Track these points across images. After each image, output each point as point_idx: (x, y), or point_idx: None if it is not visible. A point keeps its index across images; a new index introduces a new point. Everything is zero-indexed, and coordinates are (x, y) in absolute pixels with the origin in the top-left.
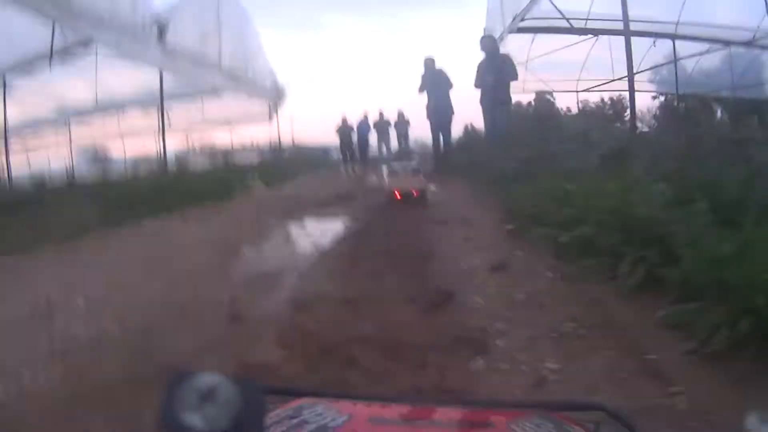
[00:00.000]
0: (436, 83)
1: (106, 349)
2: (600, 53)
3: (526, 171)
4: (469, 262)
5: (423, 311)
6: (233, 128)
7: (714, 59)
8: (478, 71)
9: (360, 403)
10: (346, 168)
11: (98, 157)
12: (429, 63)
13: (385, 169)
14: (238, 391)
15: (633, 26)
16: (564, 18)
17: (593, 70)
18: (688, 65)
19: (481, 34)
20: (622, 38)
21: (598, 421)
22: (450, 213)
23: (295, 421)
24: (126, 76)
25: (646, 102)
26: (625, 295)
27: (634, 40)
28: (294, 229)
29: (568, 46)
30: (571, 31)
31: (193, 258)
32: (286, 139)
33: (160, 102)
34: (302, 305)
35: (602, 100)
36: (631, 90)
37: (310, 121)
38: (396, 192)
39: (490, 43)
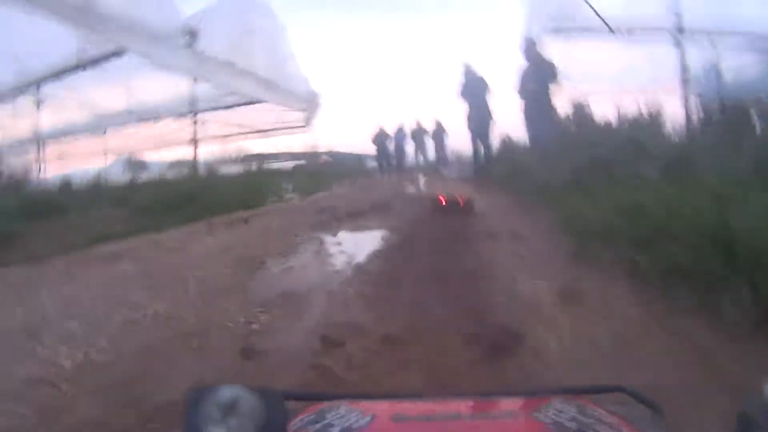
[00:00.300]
0: (475, 90)
1: None
2: (638, 60)
3: (577, 180)
4: (531, 288)
5: (483, 357)
6: (269, 136)
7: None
8: (520, 78)
9: (382, 402)
10: (382, 177)
11: (134, 164)
12: (467, 69)
13: (422, 177)
14: (260, 401)
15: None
16: (603, 21)
17: (632, 77)
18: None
19: (521, 39)
20: (664, 44)
21: (621, 402)
22: (498, 226)
23: (319, 425)
24: (160, 84)
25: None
26: (735, 338)
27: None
28: (326, 244)
29: (605, 52)
30: (611, 34)
31: (210, 275)
32: (323, 147)
33: (192, 110)
34: (331, 341)
35: (639, 109)
36: (685, 92)
37: (346, 129)
38: (441, 199)
39: (532, 49)
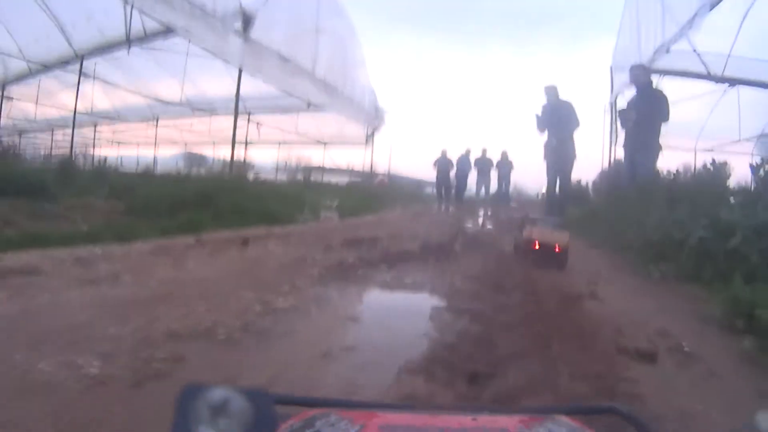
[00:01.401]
0: (558, 118)
1: None
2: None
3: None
4: None
5: None
6: (327, 147)
7: None
8: (627, 107)
9: (372, 412)
10: (440, 206)
11: (193, 158)
12: (551, 92)
13: (486, 213)
14: (250, 403)
15: None
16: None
17: (715, 127)
18: None
19: (631, 65)
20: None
21: (612, 423)
22: (620, 314)
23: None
24: (216, 76)
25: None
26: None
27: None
28: (344, 303)
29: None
30: (706, 77)
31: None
32: (382, 168)
33: (235, 104)
34: None
35: (705, 164)
36: None
37: (407, 152)
38: (533, 243)
39: (643, 75)
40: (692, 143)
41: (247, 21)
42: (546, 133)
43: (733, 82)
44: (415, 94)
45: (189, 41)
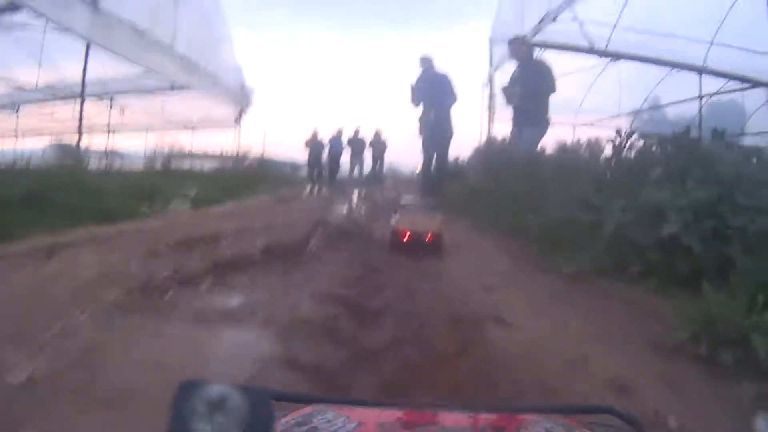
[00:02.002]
0: (434, 91)
1: None
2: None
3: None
4: None
5: None
6: (195, 132)
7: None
8: (509, 83)
9: (370, 409)
10: (312, 189)
11: (64, 148)
12: (427, 63)
13: (359, 194)
14: (247, 400)
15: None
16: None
17: (597, 103)
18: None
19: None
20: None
21: (608, 424)
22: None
23: (305, 428)
24: (78, 58)
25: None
26: None
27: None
28: (113, 366)
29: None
30: (589, 51)
31: None
32: (256, 151)
33: (81, 83)
34: None
35: (578, 141)
36: None
37: (285, 134)
38: (402, 233)
39: (523, 48)
40: (571, 119)
41: None
42: (421, 106)
43: (616, 56)
44: (292, 77)
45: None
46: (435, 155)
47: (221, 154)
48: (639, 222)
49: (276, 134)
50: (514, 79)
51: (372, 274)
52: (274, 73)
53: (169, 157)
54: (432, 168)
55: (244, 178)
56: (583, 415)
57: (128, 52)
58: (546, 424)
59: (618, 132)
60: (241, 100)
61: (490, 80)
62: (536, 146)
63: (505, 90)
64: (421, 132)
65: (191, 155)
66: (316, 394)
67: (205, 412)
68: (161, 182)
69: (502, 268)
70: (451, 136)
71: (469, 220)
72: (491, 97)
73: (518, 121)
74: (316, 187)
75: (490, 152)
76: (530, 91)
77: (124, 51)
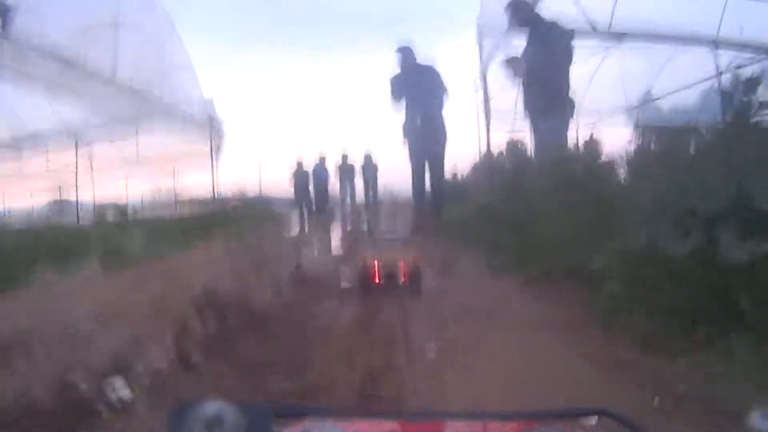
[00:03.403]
0: (419, 87)
1: None
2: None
3: None
4: None
5: None
6: (172, 174)
7: None
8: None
9: (367, 422)
10: (302, 227)
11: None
12: (407, 54)
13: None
14: (245, 416)
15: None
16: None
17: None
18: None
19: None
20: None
21: (604, 425)
22: None
23: None
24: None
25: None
26: None
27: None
28: None
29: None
30: (592, 34)
31: None
32: (239, 189)
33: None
34: None
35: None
36: None
37: (273, 170)
38: (372, 272)
39: (522, 9)
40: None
41: (5, 13)
42: (404, 107)
43: (621, 36)
44: (274, 111)
45: None
46: (428, 167)
47: (197, 199)
48: None
49: (270, 170)
50: (525, 53)
51: None
52: (260, 107)
53: (122, 207)
54: (424, 183)
55: (219, 221)
56: (578, 418)
57: (52, 84)
58: (542, 429)
59: None
60: (210, 133)
61: (483, 79)
62: (563, 138)
63: (509, 62)
64: (405, 139)
65: (174, 200)
66: (313, 407)
67: (202, 430)
68: (95, 236)
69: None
70: (444, 142)
71: (479, 256)
72: (486, 101)
73: (532, 106)
74: (306, 225)
75: (502, 160)
76: (543, 63)
77: (46, 83)
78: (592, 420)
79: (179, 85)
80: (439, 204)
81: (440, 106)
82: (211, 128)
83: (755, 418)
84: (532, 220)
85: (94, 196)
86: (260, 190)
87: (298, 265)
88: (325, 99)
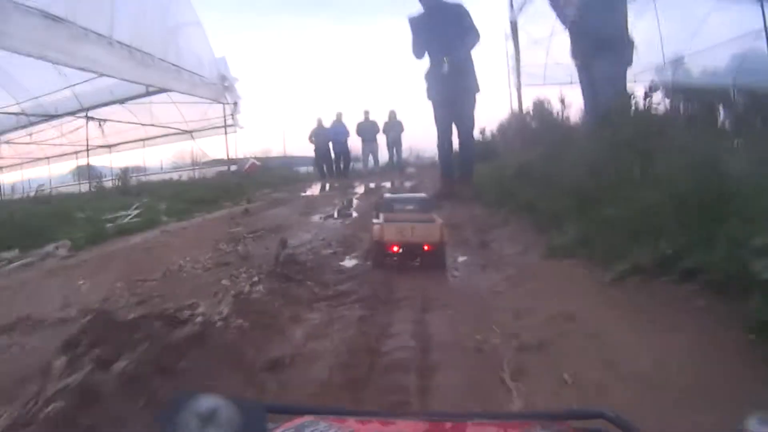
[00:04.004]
0: (444, 30)
1: None
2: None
3: None
4: None
5: None
6: (192, 138)
7: None
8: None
9: (363, 420)
10: (323, 186)
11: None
12: None
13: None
14: (240, 412)
15: None
16: None
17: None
18: None
19: None
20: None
21: (600, 428)
22: None
23: None
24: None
25: None
26: None
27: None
28: None
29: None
30: None
31: None
32: (258, 151)
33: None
34: None
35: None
36: None
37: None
38: (390, 245)
39: None
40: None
41: None
42: (427, 52)
43: None
44: (298, 73)
45: None
46: (455, 124)
47: (219, 160)
48: None
49: (288, 132)
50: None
51: None
52: (284, 70)
53: (125, 173)
54: (450, 142)
55: (231, 185)
56: (575, 420)
57: (38, 46)
58: (539, 431)
59: None
60: (225, 93)
61: (514, 29)
62: (622, 85)
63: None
64: (429, 94)
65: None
66: (308, 406)
67: (197, 425)
68: (97, 205)
69: None
70: (475, 94)
71: (528, 234)
72: (517, 52)
73: (582, 50)
74: (327, 185)
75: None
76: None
77: (31, 44)
78: (590, 422)
79: (190, 47)
80: (468, 164)
81: (469, 52)
82: (224, 88)
83: (752, 423)
84: (612, 188)
85: (110, 162)
86: (284, 151)
87: (282, 242)
88: (349, 61)
